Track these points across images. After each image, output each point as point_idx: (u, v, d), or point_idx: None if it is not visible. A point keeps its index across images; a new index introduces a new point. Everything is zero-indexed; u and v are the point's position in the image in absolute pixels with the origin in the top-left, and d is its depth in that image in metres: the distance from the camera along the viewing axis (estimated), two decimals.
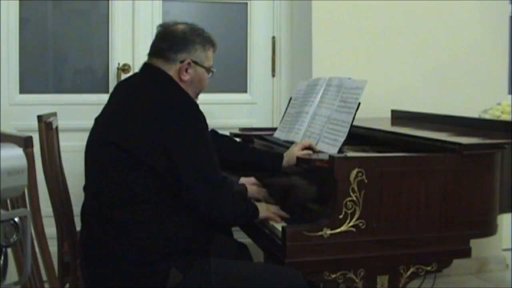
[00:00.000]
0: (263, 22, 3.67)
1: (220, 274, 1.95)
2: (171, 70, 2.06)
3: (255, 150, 2.61)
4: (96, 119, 2.12)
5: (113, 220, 1.92)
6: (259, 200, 2.38)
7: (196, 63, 2.08)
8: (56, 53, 3.48)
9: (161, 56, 2.07)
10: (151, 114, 1.93)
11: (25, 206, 1.65)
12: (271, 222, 2.15)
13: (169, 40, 2.08)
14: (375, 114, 3.20)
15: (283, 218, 2.18)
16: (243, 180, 2.56)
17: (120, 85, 2.22)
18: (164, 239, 1.90)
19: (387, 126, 2.90)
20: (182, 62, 2.06)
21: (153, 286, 1.89)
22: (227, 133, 3.10)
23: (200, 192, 1.92)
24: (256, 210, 2.12)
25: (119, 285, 1.91)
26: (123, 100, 2.05)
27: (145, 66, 2.12)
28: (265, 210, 2.18)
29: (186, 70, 2.07)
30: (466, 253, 2.12)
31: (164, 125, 1.90)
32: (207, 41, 2.12)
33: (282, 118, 2.84)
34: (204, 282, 1.92)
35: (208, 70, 2.13)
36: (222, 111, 3.53)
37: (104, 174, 1.96)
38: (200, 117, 1.98)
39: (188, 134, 1.92)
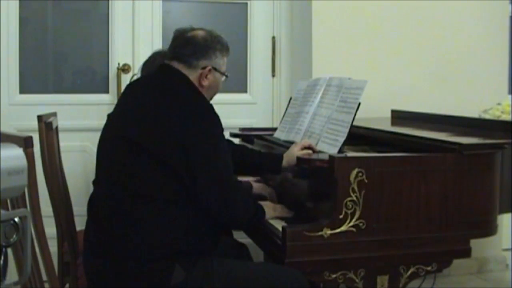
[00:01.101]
0: (263, 22, 3.67)
1: (221, 274, 1.95)
2: (192, 75, 2.09)
3: (254, 152, 2.62)
4: (110, 115, 2.15)
5: (124, 214, 1.93)
6: (263, 198, 2.39)
7: (215, 69, 2.13)
8: (56, 53, 3.48)
9: (183, 62, 2.09)
10: (171, 114, 1.95)
11: (25, 206, 1.65)
12: (271, 222, 2.15)
13: (191, 46, 2.10)
14: (375, 114, 3.20)
15: (283, 218, 2.18)
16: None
17: (137, 83, 2.24)
18: (172, 238, 1.92)
19: (387, 126, 2.90)
20: (203, 68, 2.10)
21: (157, 283, 1.90)
22: (227, 133, 3.10)
23: (214, 193, 1.95)
24: (263, 212, 2.14)
25: (123, 281, 1.92)
26: (142, 98, 2.07)
27: (165, 67, 2.13)
28: (271, 210, 2.20)
29: (206, 76, 2.11)
30: (466, 253, 2.12)
31: (183, 126, 1.93)
32: (225, 48, 2.17)
33: (282, 118, 2.84)
34: (206, 281, 1.93)
35: (224, 75, 2.18)
36: (222, 111, 3.48)
37: (119, 169, 1.98)
38: (217, 120, 2.02)
39: (205, 136, 1.96)
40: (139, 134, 1.96)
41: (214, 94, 2.20)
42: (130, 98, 2.13)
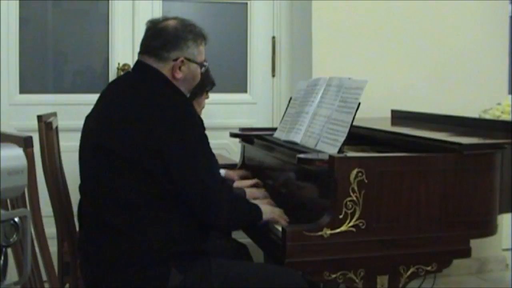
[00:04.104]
0: (263, 22, 3.67)
1: (220, 275, 1.94)
2: (164, 68, 2.02)
3: None
4: (87, 118, 2.09)
5: (111, 225, 1.89)
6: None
7: (189, 60, 2.04)
8: (56, 53, 3.49)
9: (154, 55, 2.03)
10: (145, 118, 1.89)
11: (25, 206, 1.65)
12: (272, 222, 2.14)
13: (161, 38, 2.03)
14: (375, 114, 3.20)
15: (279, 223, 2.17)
16: (237, 183, 2.56)
17: (113, 84, 2.17)
18: (162, 242, 1.88)
19: (387, 126, 2.90)
20: (175, 60, 2.02)
21: (154, 287, 1.89)
22: (227, 133, 3.10)
23: (194, 196, 1.90)
24: (260, 212, 2.10)
25: (120, 286, 1.90)
26: (117, 101, 2.01)
27: (138, 64, 2.08)
28: (270, 211, 2.15)
29: (180, 68, 2.03)
30: (466, 253, 2.12)
31: (158, 129, 1.87)
32: (199, 36, 2.08)
33: (282, 118, 2.84)
34: (204, 282, 1.92)
35: (201, 65, 2.10)
36: (222, 111, 3.53)
37: (99, 179, 1.93)
38: (195, 120, 1.95)
39: (182, 137, 1.89)
40: (116, 143, 1.89)
41: (192, 86, 2.12)
42: (105, 101, 2.06)
